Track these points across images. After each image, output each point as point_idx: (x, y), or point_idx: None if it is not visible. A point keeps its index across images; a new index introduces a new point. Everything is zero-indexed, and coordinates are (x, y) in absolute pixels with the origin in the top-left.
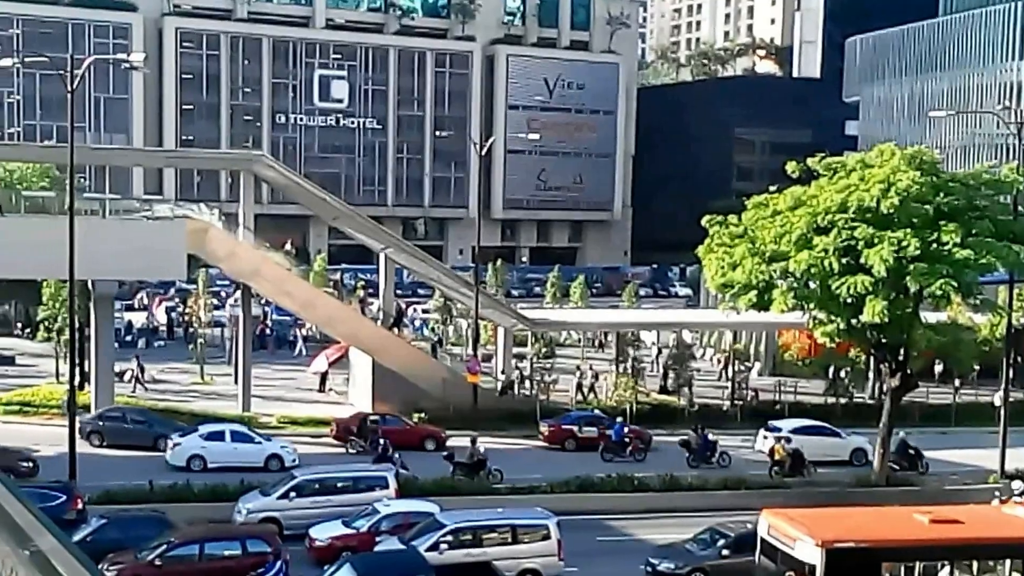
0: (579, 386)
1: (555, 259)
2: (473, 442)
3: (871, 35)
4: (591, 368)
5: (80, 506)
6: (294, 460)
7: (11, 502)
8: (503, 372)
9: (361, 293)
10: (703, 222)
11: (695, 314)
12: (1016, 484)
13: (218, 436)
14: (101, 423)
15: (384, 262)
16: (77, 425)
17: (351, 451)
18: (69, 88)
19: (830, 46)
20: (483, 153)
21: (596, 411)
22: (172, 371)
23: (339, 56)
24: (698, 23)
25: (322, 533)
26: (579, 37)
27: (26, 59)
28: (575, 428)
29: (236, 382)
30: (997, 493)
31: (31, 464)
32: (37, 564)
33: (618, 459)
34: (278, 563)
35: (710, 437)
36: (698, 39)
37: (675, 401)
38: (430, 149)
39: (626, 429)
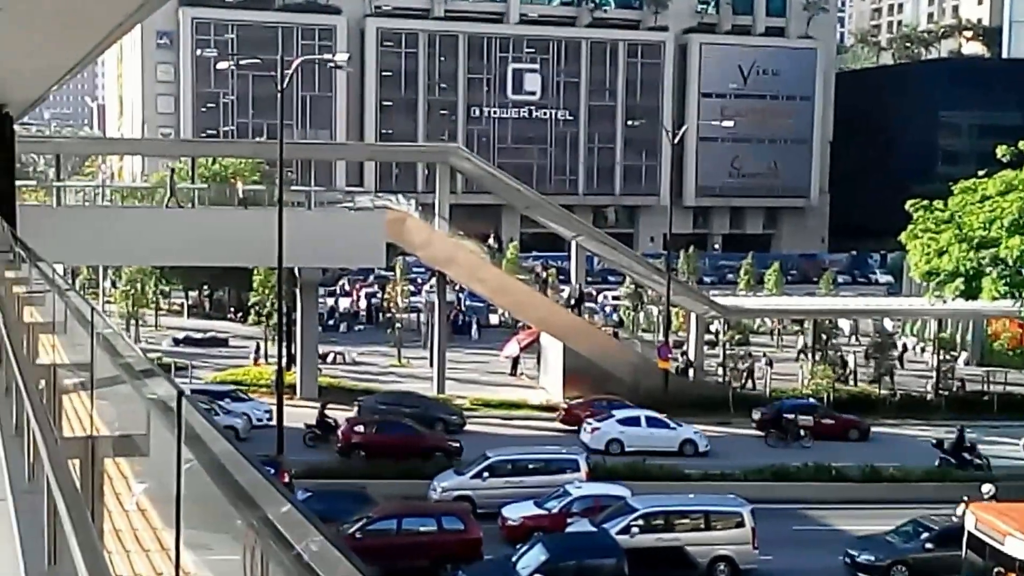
0: (750, 372)
1: (748, 246)
2: (961, 431)
3: None
4: (764, 355)
5: (287, 480)
6: (707, 446)
7: (243, 469)
8: (682, 354)
9: (544, 275)
10: (907, 207)
11: (895, 301)
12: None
13: (634, 421)
14: (381, 407)
15: (575, 249)
16: (354, 411)
17: (770, 443)
18: (279, 88)
19: None
20: (675, 141)
21: (811, 399)
22: (371, 354)
23: (532, 50)
24: (900, 5)
25: (514, 513)
26: (775, 24)
27: (240, 61)
28: (791, 416)
29: (431, 365)
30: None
31: (457, 445)
32: (270, 530)
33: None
34: None
35: None
36: (900, 22)
37: (875, 391)
38: (621, 138)
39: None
